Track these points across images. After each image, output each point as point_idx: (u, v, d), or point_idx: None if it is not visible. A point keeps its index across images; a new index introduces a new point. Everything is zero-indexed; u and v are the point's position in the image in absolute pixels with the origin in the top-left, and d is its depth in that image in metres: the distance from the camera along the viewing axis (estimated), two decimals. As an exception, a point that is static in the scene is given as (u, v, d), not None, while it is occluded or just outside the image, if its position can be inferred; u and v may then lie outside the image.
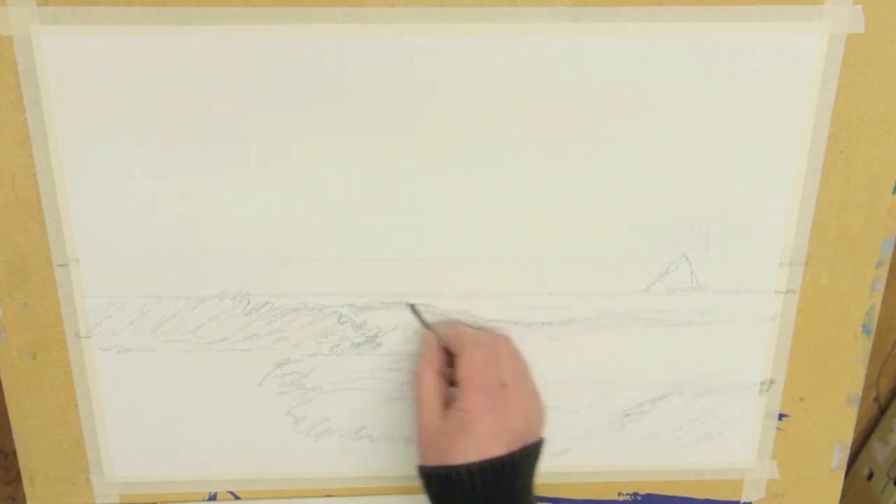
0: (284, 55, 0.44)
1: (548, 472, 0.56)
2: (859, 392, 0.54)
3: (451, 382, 0.47)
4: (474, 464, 0.42)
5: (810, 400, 0.54)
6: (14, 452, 0.54)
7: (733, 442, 0.55)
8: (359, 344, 0.51)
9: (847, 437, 0.56)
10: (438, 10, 0.44)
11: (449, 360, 0.47)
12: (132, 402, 0.52)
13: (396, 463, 0.55)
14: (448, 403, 0.45)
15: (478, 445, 0.42)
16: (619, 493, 0.57)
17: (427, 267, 0.49)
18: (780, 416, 0.54)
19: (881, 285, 0.51)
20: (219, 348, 0.51)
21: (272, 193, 0.47)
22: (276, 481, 0.55)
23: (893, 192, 0.49)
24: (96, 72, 0.44)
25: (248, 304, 0.50)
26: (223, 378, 0.52)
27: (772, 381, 0.53)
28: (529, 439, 0.44)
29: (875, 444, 0.62)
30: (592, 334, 0.51)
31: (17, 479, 0.56)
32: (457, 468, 0.42)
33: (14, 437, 0.53)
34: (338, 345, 0.51)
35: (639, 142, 0.47)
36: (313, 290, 0.50)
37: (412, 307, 0.50)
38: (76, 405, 0.52)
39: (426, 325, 0.50)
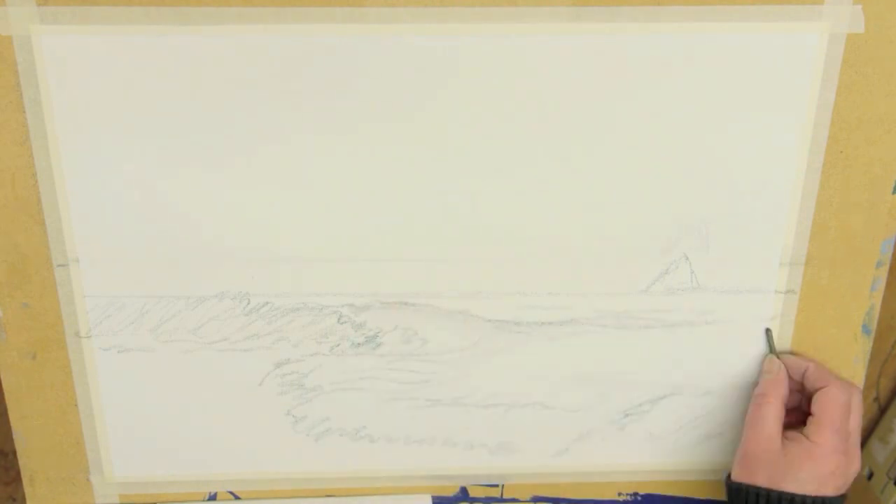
0: (284, 55, 0.44)
1: (548, 472, 0.56)
2: (859, 392, 0.54)
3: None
4: (809, 496, 0.44)
5: (810, 400, 0.54)
6: (14, 452, 0.54)
7: (733, 442, 0.55)
8: (359, 344, 0.51)
9: (847, 437, 0.56)
10: (438, 10, 0.44)
11: (789, 395, 0.49)
12: (132, 402, 0.52)
13: (396, 463, 0.55)
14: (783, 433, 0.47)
15: (818, 480, 0.44)
16: (619, 493, 0.57)
17: (427, 267, 0.49)
18: (780, 416, 0.54)
19: (881, 285, 0.51)
20: (219, 348, 0.51)
21: (272, 193, 0.47)
22: (276, 481, 0.55)
23: (893, 192, 0.49)
24: (96, 72, 0.44)
25: (248, 304, 0.50)
26: (223, 378, 0.52)
27: (772, 381, 0.53)
28: (845, 489, 0.46)
29: (875, 444, 0.62)
30: (592, 334, 0.51)
31: (17, 479, 0.56)
32: (794, 496, 0.44)
33: (14, 437, 0.53)
34: (338, 345, 0.51)
35: (639, 142, 0.47)
36: (313, 290, 0.50)
37: (767, 331, 0.51)
38: (76, 405, 0.52)
39: (775, 352, 0.51)
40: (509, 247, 0.49)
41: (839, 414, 0.46)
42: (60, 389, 0.52)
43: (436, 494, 0.56)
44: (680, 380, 0.53)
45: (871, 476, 0.62)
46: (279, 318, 0.50)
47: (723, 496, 0.56)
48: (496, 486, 0.56)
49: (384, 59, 0.44)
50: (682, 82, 0.46)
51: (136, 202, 0.47)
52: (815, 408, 0.47)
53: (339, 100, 0.45)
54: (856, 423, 0.47)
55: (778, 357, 0.51)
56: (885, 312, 0.58)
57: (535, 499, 0.56)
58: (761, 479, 0.46)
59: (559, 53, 0.45)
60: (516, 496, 0.56)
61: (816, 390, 0.48)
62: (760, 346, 0.52)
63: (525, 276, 0.50)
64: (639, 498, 0.57)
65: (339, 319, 0.51)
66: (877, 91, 0.46)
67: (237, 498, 0.55)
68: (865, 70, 0.46)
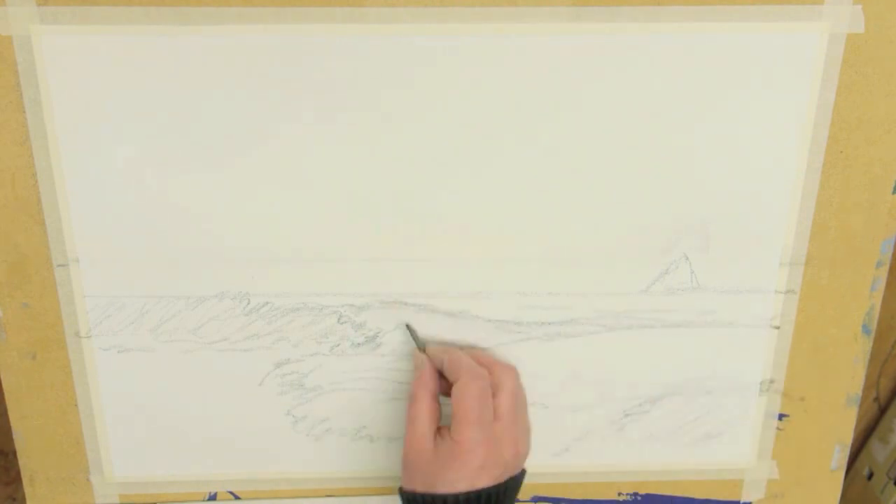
0: (285, 55, 0.44)
1: (548, 472, 0.56)
2: (859, 392, 0.54)
3: (445, 393, 0.47)
4: (461, 494, 0.42)
5: (810, 400, 0.54)
6: (14, 452, 0.54)
7: (733, 442, 0.55)
8: (359, 344, 0.51)
9: (847, 437, 0.56)
10: (438, 10, 0.44)
11: (443, 383, 0.47)
12: (132, 402, 0.52)
13: (396, 463, 0.55)
14: (439, 427, 0.45)
15: (468, 477, 0.42)
16: (619, 493, 0.57)
17: (427, 267, 0.49)
18: (780, 416, 0.54)
19: (881, 285, 0.51)
20: (219, 348, 0.51)
21: (272, 193, 0.47)
22: (276, 481, 0.55)
23: (893, 192, 0.49)
24: (96, 72, 0.44)
25: (248, 304, 0.50)
26: (223, 378, 0.52)
27: (772, 381, 0.53)
28: (515, 471, 0.45)
29: (875, 444, 0.62)
30: (592, 334, 0.51)
31: (17, 479, 0.56)
32: (448, 496, 0.42)
33: (14, 437, 0.53)
34: (338, 345, 0.51)
35: (639, 142, 0.47)
36: (313, 290, 0.50)
37: (408, 326, 0.50)
38: (76, 405, 0.52)
39: (421, 347, 0.50)
40: (509, 247, 0.49)
41: (473, 405, 0.43)
42: (60, 389, 0.52)
43: (436, 494, 0.56)
44: (680, 380, 0.53)
45: (871, 476, 0.62)
46: (279, 318, 0.50)
47: (723, 496, 0.57)
48: (496, 486, 0.56)
49: (384, 59, 0.44)
50: (681, 82, 0.46)
51: (136, 202, 0.47)
52: (452, 403, 0.44)
53: (339, 100, 0.45)
54: (506, 404, 0.44)
55: (423, 351, 0.49)
56: (885, 312, 0.58)
57: (535, 499, 0.56)
58: (418, 483, 0.44)
59: (559, 53, 0.45)
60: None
61: (453, 383, 0.45)
62: (761, 345, 0.52)
63: (525, 276, 0.50)
64: (639, 498, 0.57)
65: (339, 319, 0.51)
66: (877, 91, 0.46)
67: (237, 498, 0.55)
68: (865, 70, 0.46)
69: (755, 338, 0.52)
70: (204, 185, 0.47)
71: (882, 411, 0.62)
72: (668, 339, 0.52)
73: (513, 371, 0.47)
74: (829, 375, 0.54)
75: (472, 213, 0.48)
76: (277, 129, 0.46)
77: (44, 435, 0.53)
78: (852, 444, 0.60)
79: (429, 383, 0.46)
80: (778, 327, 0.52)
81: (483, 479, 0.43)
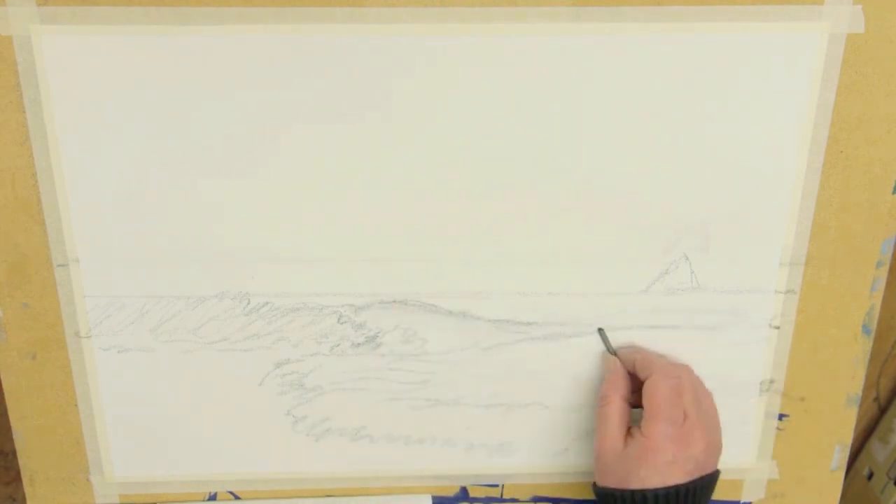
0: (284, 55, 0.44)
1: (548, 472, 0.56)
2: (859, 392, 0.54)
3: (633, 405, 0.48)
4: (657, 489, 0.43)
5: (810, 400, 0.54)
6: (14, 452, 0.54)
7: (733, 442, 0.55)
8: (359, 344, 0.51)
9: (847, 437, 0.56)
10: (438, 10, 0.44)
11: (632, 385, 0.49)
12: (132, 402, 0.52)
13: (396, 463, 0.55)
14: (629, 428, 0.47)
15: (660, 473, 0.44)
16: (619, 493, 0.57)
17: (427, 267, 0.49)
18: (780, 417, 0.54)
19: (881, 285, 0.51)
20: (219, 348, 0.51)
21: (272, 193, 0.47)
22: (276, 481, 0.55)
23: (893, 192, 0.49)
24: (96, 72, 0.44)
25: (248, 304, 0.50)
26: (223, 378, 0.52)
27: (772, 381, 0.53)
28: (708, 469, 0.45)
29: (875, 444, 0.62)
30: (592, 334, 0.51)
31: (17, 479, 0.56)
32: (641, 492, 0.44)
33: (14, 437, 0.53)
34: (338, 345, 0.51)
35: (639, 141, 0.47)
36: (313, 290, 0.50)
37: (600, 331, 0.51)
38: (76, 405, 0.52)
39: (612, 350, 0.51)
40: (509, 247, 0.49)
41: (665, 401, 0.45)
42: (60, 389, 0.52)
43: (436, 494, 0.56)
44: (680, 380, 0.53)
45: (871, 476, 0.62)
46: (279, 318, 0.50)
47: (723, 496, 0.57)
48: (496, 486, 0.56)
49: (384, 59, 0.44)
50: (681, 82, 0.46)
51: (137, 202, 0.47)
52: (643, 400, 0.46)
53: (340, 100, 0.45)
54: (691, 403, 0.46)
55: (615, 354, 0.50)
56: (885, 312, 0.58)
57: (535, 499, 0.56)
58: (612, 480, 0.46)
59: (559, 53, 0.45)
60: (516, 496, 0.56)
61: (644, 381, 0.47)
62: (761, 345, 0.52)
63: (525, 276, 0.50)
64: (639, 498, 0.57)
65: (339, 319, 0.51)
66: (877, 91, 0.46)
67: (237, 498, 0.55)
68: (865, 70, 0.46)
69: (755, 338, 0.52)
70: (204, 185, 0.47)
71: (882, 411, 0.62)
72: (668, 339, 0.52)
73: (690, 368, 0.48)
74: (829, 375, 0.54)
75: (472, 213, 0.48)
76: (277, 129, 0.46)
77: (44, 435, 0.53)
78: (852, 444, 0.60)
79: (620, 385, 0.48)
80: (778, 327, 0.52)
81: (675, 476, 0.44)
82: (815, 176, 0.48)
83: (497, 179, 0.48)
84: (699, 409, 0.46)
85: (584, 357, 0.52)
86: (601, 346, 0.52)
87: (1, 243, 0.48)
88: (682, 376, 0.47)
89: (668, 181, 0.48)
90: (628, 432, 0.47)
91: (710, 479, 0.45)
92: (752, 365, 0.53)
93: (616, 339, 0.52)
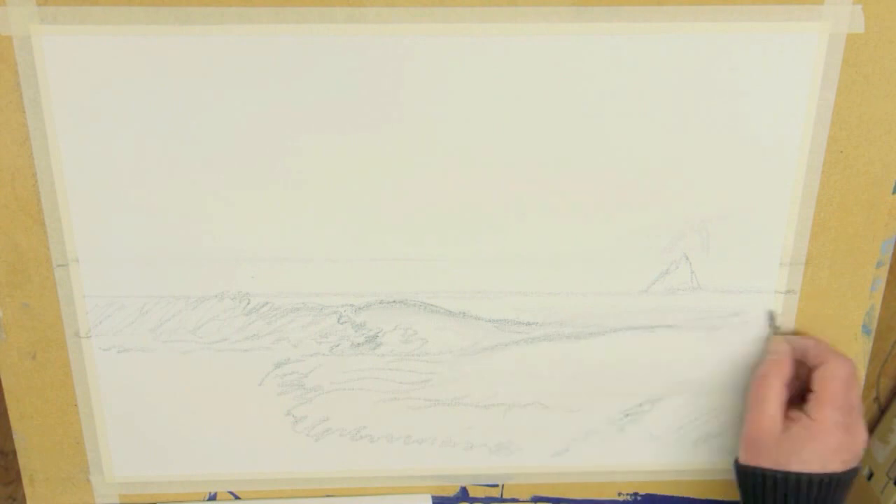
0: (284, 55, 0.44)
1: (548, 472, 0.56)
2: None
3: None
4: (819, 475, 0.44)
5: (810, 400, 0.54)
6: (14, 452, 0.54)
7: (733, 442, 0.55)
8: (359, 344, 0.51)
9: (847, 437, 0.56)
10: (438, 10, 0.44)
11: (794, 373, 0.49)
12: (132, 402, 0.52)
13: (396, 463, 0.55)
14: (786, 411, 0.47)
15: (822, 458, 0.44)
16: (619, 493, 0.57)
17: (427, 267, 0.49)
18: (780, 416, 0.54)
19: (881, 285, 0.51)
20: (218, 348, 0.51)
21: (272, 193, 0.47)
22: (276, 481, 0.55)
23: (893, 192, 0.49)
24: (96, 72, 0.44)
25: (248, 304, 0.50)
26: (223, 378, 0.52)
27: (772, 381, 0.53)
28: (857, 462, 0.46)
29: (875, 444, 0.62)
30: (592, 334, 0.51)
31: (17, 479, 0.56)
32: (803, 475, 0.44)
33: (14, 437, 0.53)
34: (338, 345, 0.51)
35: (639, 141, 0.47)
36: (313, 290, 0.50)
37: (770, 312, 0.51)
38: (76, 405, 0.52)
39: (778, 332, 0.51)
40: (509, 247, 0.49)
41: (839, 389, 0.46)
42: (60, 389, 0.52)
43: (436, 494, 0.56)
44: (680, 380, 0.53)
45: (871, 476, 0.62)
46: (279, 318, 0.50)
47: (723, 496, 0.57)
48: (496, 486, 0.56)
49: (384, 59, 0.44)
50: (681, 82, 0.46)
51: (136, 202, 0.47)
52: (815, 385, 0.46)
53: (339, 100, 0.45)
54: (857, 397, 0.47)
55: (783, 337, 0.50)
56: (885, 312, 0.58)
57: (535, 499, 0.57)
58: (766, 460, 0.46)
59: (560, 53, 0.45)
60: (516, 496, 0.56)
61: (816, 367, 0.47)
62: (761, 345, 0.52)
63: (525, 276, 0.50)
64: (639, 498, 0.57)
65: (339, 319, 0.51)
66: (877, 91, 0.46)
67: (237, 498, 0.55)
68: (865, 70, 0.46)
69: (755, 338, 0.52)
70: (204, 185, 0.47)
71: (882, 411, 0.62)
72: (668, 339, 0.52)
73: (855, 363, 0.48)
74: (829, 375, 0.54)
75: (472, 213, 0.48)
76: (277, 129, 0.46)
77: (44, 435, 0.53)
78: (852, 444, 0.60)
79: (784, 369, 0.48)
80: (778, 327, 0.52)
81: (835, 463, 0.44)
82: (815, 176, 0.48)
83: (497, 179, 0.48)
84: (859, 406, 0.47)
85: (584, 357, 0.52)
86: (601, 347, 0.52)
87: (1, 243, 0.48)
88: (855, 369, 0.47)
89: (667, 181, 0.48)
90: (786, 415, 0.47)
91: (856, 474, 0.46)
92: (752, 365, 0.53)
93: (616, 339, 0.52)
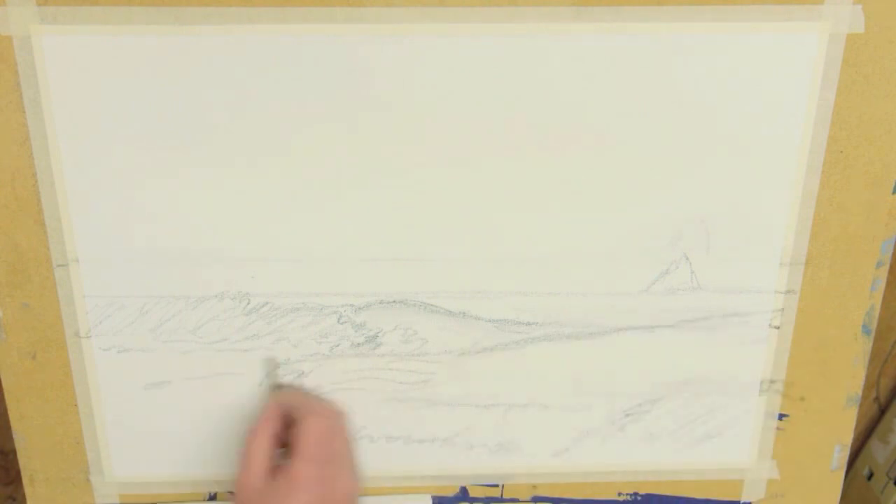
0: (284, 55, 0.44)
1: (548, 472, 0.56)
2: (859, 392, 0.54)
3: (280, 445, 0.48)
4: None
5: (810, 400, 0.54)
6: (14, 452, 0.54)
7: (733, 442, 0.55)
8: (359, 344, 0.51)
9: (847, 437, 0.56)
10: (438, 10, 0.44)
11: (284, 424, 0.49)
12: (132, 402, 0.52)
13: (396, 463, 0.55)
14: (273, 466, 0.47)
15: None
16: (619, 493, 0.57)
17: (427, 267, 0.49)
18: (780, 416, 0.54)
19: (881, 285, 0.51)
20: (218, 348, 0.51)
21: (272, 193, 0.47)
22: (276, 481, 0.55)
23: (893, 192, 0.49)
24: (96, 72, 0.44)
25: (248, 304, 0.50)
26: (223, 378, 0.52)
27: (772, 381, 0.53)
28: None
29: (875, 444, 0.62)
30: (592, 334, 0.51)
31: (17, 479, 0.56)
32: None
33: (14, 437, 0.53)
34: (338, 345, 0.51)
35: (639, 141, 0.47)
36: (313, 290, 0.50)
37: (268, 361, 0.51)
38: (76, 405, 0.52)
39: (272, 388, 0.51)
40: (509, 247, 0.49)
41: (314, 443, 0.46)
42: (60, 389, 0.52)
43: (436, 494, 0.56)
44: (680, 380, 0.53)
45: (871, 476, 0.62)
46: (279, 318, 0.50)
47: (723, 496, 0.57)
48: (496, 486, 0.56)
49: (384, 59, 0.44)
50: (681, 82, 0.46)
51: (136, 202, 0.47)
52: (292, 440, 0.47)
53: (339, 100, 0.45)
54: (341, 447, 0.48)
55: (276, 390, 0.51)
56: (885, 312, 0.58)
57: (535, 499, 0.57)
58: None
59: (560, 53, 0.45)
60: (516, 496, 0.56)
61: (298, 423, 0.47)
62: (761, 345, 0.52)
63: (525, 276, 0.50)
64: (639, 498, 0.57)
65: (339, 319, 0.51)
66: (877, 91, 0.46)
67: (237, 498, 0.55)
68: (865, 70, 0.46)
69: (755, 338, 0.52)
70: (204, 185, 0.47)
71: (882, 411, 0.62)
72: (668, 339, 0.52)
73: (343, 415, 0.49)
74: (829, 375, 0.54)
75: (472, 213, 0.48)
76: (277, 129, 0.46)
77: (44, 435, 0.53)
78: (852, 444, 0.60)
79: (270, 423, 0.48)
80: (778, 327, 0.52)
81: None
82: (815, 176, 0.48)
83: (497, 179, 0.48)
84: (345, 456, 0.47)
85: (584, 357, 0.52)
86: (601, 347, 0.52)
87: (1, 243, 0.48)
88: (334, 420, 0.48)
89: (668, 181, 0.48)
90: (272, 471, 0.46)
91: None
92: (752, 365, 0.53)
93: (616, 339, 0.52)
